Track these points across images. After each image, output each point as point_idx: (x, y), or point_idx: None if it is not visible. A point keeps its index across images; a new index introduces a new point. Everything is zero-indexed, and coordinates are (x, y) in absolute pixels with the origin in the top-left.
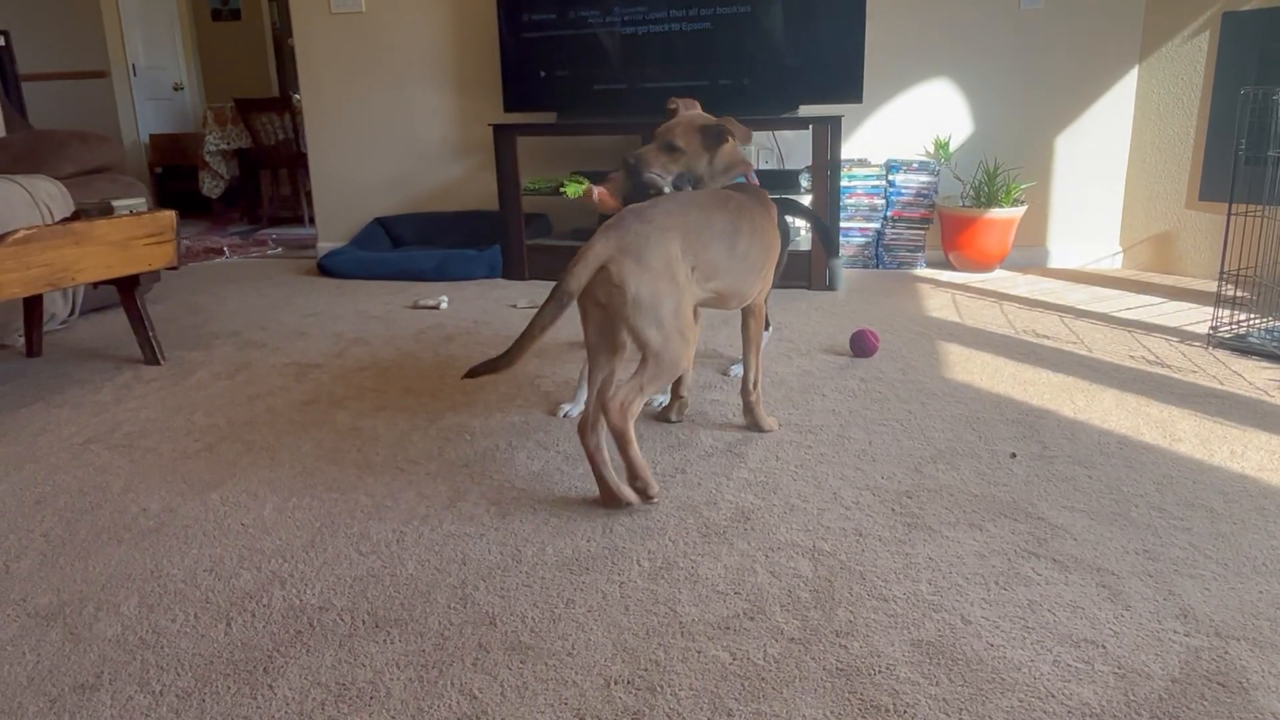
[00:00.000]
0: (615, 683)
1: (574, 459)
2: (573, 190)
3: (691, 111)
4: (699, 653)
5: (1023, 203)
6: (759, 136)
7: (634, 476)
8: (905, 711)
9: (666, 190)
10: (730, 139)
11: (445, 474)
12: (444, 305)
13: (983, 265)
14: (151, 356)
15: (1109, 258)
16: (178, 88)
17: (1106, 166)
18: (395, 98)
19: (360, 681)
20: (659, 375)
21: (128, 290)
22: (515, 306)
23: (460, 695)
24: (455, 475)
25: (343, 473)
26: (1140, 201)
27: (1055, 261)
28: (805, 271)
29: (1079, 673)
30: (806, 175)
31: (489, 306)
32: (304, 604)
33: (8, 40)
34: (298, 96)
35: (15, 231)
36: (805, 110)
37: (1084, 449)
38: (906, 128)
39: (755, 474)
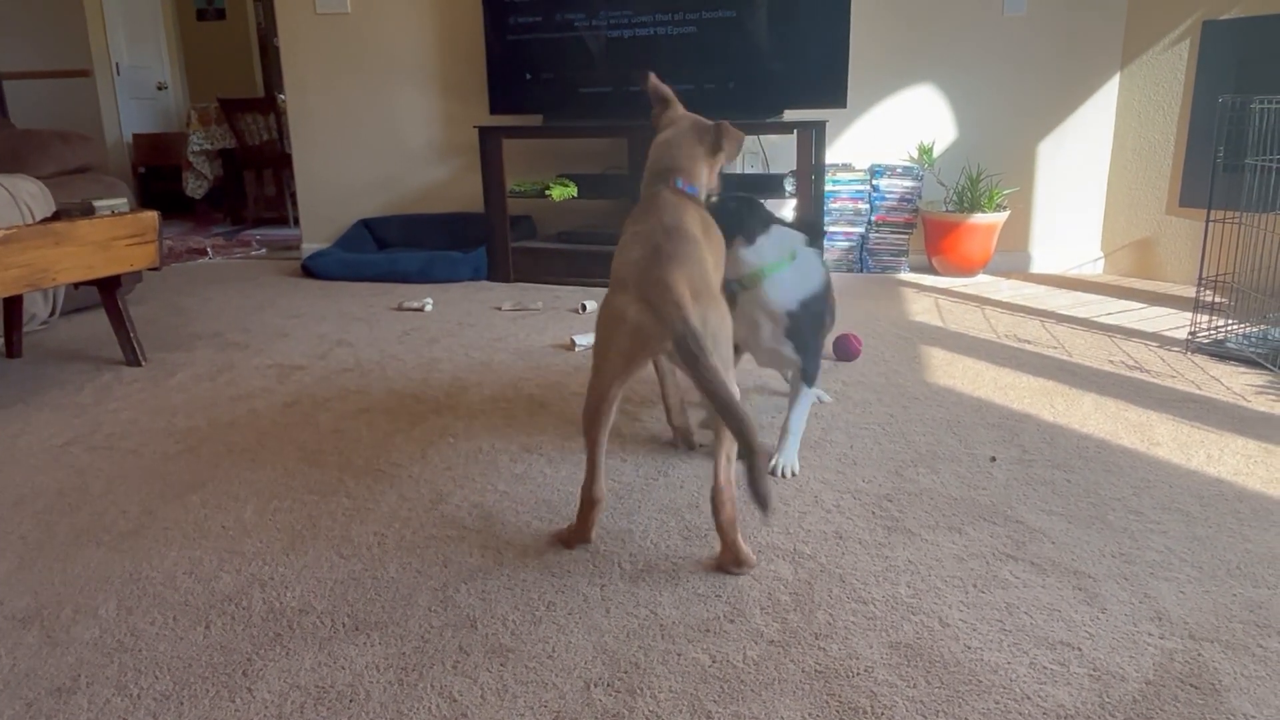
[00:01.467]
0: (595, 685)
1: (557, 462)
2: (558, 193)
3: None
4: (679, 655)
5: (1005, 208)
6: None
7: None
8: (883, 713)
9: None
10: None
11: (427, 476)
12: (428, 307)
13: (965, 270)
14: (133, 357)
15: (1090, 263)
16: (161, 87)
17: (1088, 172)
18: (380, 99)
19: (340, 684)
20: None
21: (109, 291)
22: (500, 309)
23: (440, 698)
24: (437, 478)
25: (324, 475)
26: (1121, 207)
27: (1037, 266)
28: None
29: (1055, 675)
30: (791, 180)
31: (474, 309)
32: (284, 607)
33: None
34: (282, 97)
35: None
36: (790, 115)
37: (1063, 453)
38: (891, 133)
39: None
